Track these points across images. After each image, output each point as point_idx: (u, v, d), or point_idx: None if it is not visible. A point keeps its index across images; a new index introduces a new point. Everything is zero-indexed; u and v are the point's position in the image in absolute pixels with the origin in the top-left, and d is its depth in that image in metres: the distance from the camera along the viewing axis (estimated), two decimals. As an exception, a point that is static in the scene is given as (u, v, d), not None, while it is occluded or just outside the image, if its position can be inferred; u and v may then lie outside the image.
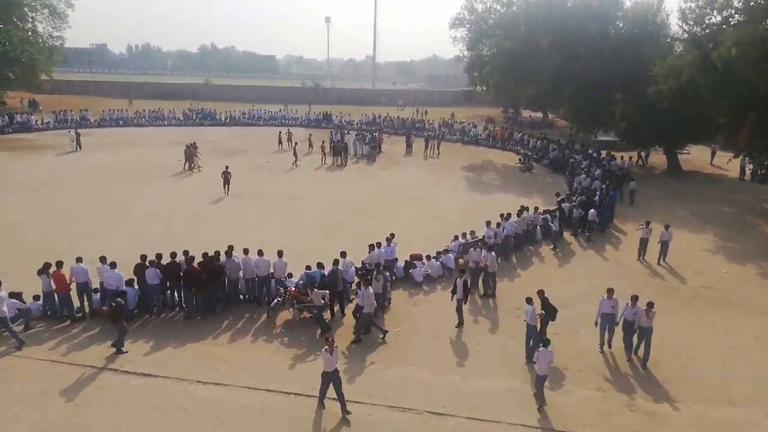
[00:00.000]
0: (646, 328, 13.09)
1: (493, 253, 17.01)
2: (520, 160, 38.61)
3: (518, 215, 20.97)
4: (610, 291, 13.69)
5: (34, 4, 56.04)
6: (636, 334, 13.40)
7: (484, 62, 50.75)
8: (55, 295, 14.74)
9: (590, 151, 36.10)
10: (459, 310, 14.97)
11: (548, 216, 22.22)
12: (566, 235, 22.49)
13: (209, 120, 56.19)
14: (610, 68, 34.48)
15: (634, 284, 17.98)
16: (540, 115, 62.46)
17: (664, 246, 19.59)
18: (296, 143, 38.78)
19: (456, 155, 41.94)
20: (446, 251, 18.96)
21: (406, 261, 18.05)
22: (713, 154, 38.36)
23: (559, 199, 24.40)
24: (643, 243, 20.01)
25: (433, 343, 14.14)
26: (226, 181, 28.64)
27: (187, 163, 33.91)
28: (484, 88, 53.87)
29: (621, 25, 37.89)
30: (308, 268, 15.74)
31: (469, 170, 36.94)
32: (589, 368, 13.08)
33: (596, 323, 13.86)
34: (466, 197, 29.71)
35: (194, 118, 56.36)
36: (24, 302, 14.55)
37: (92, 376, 12.29)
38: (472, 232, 19.88)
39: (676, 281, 18.27)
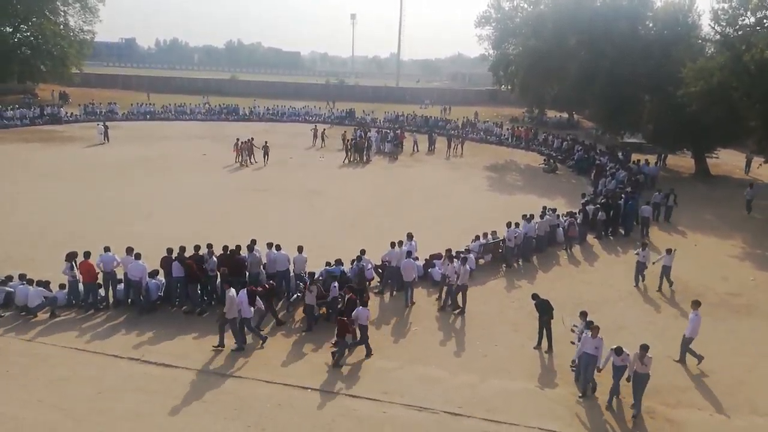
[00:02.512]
0: (643, 374, 11.21)
1: (467, 266, 15.67)
2: (544, 161, 38.23)
3: (541, 216, 20.76)
4: (595, 329, 11.68)
5: (66, -2, 57.17)
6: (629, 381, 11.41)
7: (509, 61, 50.20)
8: (80, 284, 15.00)
9: (619, 154, 35.50)
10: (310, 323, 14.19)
11: (570, 218, 21.92)
12: (590, 237, 22.19)
13: (233, 115, 56.79)
14: (638, 68, 33.91)
15: (657, 289, 17.69)
16: (565, 115, 61.68)
17: (665, 271, 17.42)
18: (347, 140, 37.84)
19: (479, 155, 41.67)
20: (467, 251, 18.82)
21: (425, 260, 17.99)
22: (748, 163, 36.11)
23: (583, 201, 24.05)
24: (640, 267, 17.68)
25: (451, 343, 14.08)
26: (266, 153, 34.52)
27: (243, 157, 34.49)
28: (509, 87, 53.35)
29: (651, 24, 37.19)
30: (328, 264, 15.80)
31: (492, 170, 36.68)
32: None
33: (572, 363, 12.29)
34: (488, 197, 29.50)
35: (220, 113, 56.97)
36: (51, 291, 14.87)
37: (115, 364, 12.53)
38: (494, 233, 19.71)
39: (702, 287, 17.83)
